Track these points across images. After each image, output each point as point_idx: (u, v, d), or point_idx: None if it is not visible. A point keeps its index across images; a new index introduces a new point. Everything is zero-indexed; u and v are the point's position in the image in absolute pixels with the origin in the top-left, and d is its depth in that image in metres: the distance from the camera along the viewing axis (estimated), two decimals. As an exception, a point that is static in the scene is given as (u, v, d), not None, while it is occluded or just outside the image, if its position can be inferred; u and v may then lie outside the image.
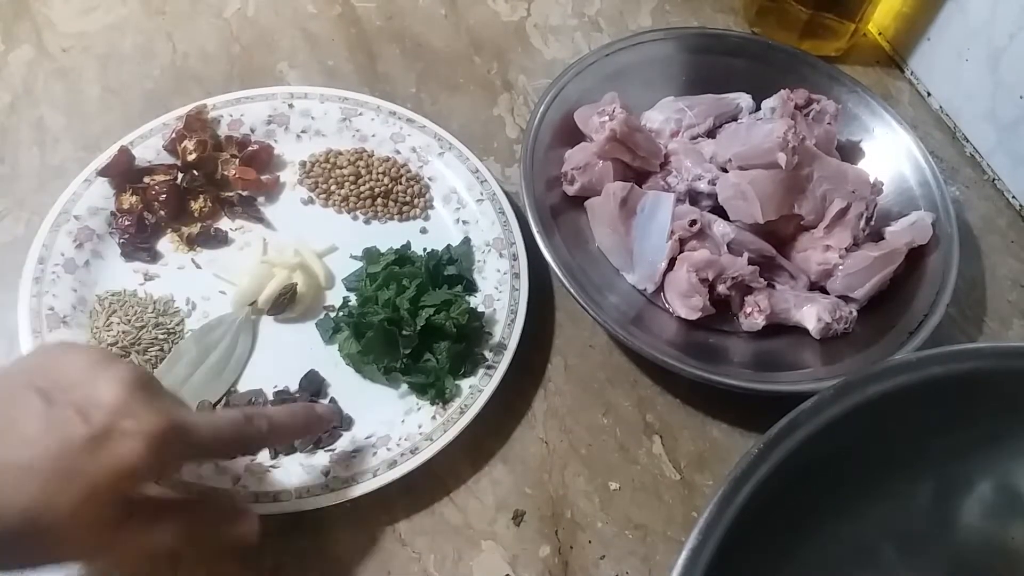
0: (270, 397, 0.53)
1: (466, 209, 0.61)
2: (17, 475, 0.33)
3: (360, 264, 0.58)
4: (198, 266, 0.58)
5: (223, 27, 0.72)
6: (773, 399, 0.51)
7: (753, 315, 0.57)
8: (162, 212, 0.58)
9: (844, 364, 0.55)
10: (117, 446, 0.35)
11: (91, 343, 0.52)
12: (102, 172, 0.58)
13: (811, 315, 0.56)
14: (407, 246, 0.59)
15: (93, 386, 0.36)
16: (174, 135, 0.60)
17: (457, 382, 0.53)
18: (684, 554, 0.36)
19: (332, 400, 0.53)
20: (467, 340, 0.54)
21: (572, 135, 0.63)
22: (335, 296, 0.58)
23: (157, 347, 0.53)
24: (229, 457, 0.47)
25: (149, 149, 0.60)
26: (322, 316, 0.56)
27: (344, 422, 0.52)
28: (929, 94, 0.76)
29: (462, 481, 0.52)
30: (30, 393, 0.35)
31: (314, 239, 0.60)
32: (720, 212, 0.59)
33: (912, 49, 0.77)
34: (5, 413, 0.35)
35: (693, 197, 0.61)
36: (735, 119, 0.66)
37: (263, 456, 0.50)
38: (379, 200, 0.62)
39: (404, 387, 0.53)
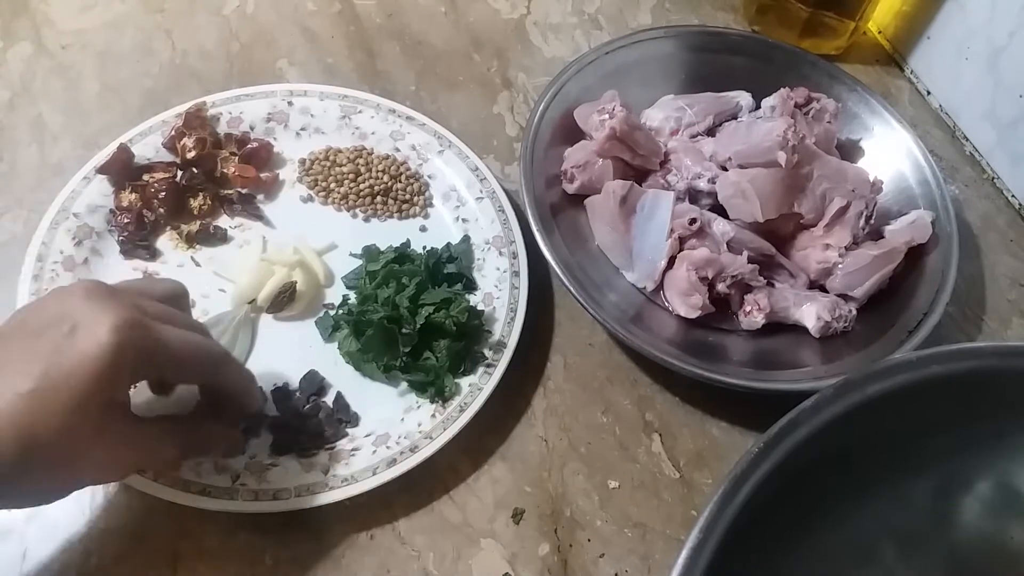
0: (269, 394, 0.53)
1: (466, 207, 0.61)
2: (7, 409, 0.35)
3: (359, 262, 0.58)
4: (197, 264, 0.58)
5: (222, 24, 0.72)
6: (772, 398, 0.51)
7: (753, 314, 0.57)
8: (161, 210, 0.58)
9: (844, 363, 0.55)
10: (80, 340, 0.36)
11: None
12: (101, 170, 0.58)
13: (811, 314, 0.56)
14: (407, 244, 0.59)
15: (60, 307, 0.38)
16: (173, 133, 0.60)
17: (457, 380, 0.53)
18: (685, 552, 0.36)
19: (337, 397, 0.53)
20: (467, 338, 0.54)
21: (572, 133, 0.63)
22: (334, 294, 0.58)
23: (156, 345, 0.53)
24: (187, 372, 0.44)
25: (148, 147, 0.60)
26: (321, 314, 0.56)
27: (352, 418, 0.52)
28: (929, 93, 0.76)
29: (461, 479, 0.52)
30: (14, 339, 0.38)
31: (313, 237, 0.59)
32: (720, 211, 0.59)
33: (912, 48, 0.77)
34: None
35: (693, 195, 0.61)
36: (735, 117, 0.66)
37: (262, 454, 0.50)
38: (379, 198, 0.62)
39: (403, 385, 0.53)
